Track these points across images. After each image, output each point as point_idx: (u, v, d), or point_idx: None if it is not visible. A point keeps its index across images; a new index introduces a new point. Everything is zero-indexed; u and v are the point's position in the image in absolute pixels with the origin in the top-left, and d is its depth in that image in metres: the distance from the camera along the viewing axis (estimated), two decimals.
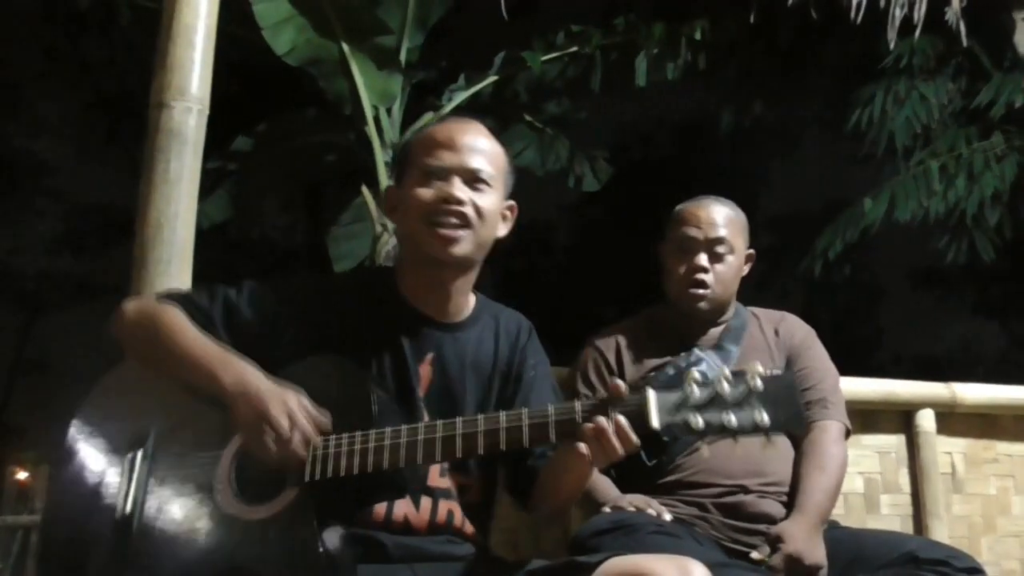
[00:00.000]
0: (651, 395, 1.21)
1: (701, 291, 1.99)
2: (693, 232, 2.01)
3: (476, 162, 1.49)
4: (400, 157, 1.58)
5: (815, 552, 1.72)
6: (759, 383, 1.16)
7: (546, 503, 1.54)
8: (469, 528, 1.49)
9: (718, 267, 2.01)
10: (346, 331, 1.47)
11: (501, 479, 1.59)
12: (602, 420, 1.25)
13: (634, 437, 1.24)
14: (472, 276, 1.57)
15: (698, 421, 1.17)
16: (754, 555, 1.75)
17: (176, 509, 1.35)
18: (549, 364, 1.66)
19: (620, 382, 1.29)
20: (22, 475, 10.39)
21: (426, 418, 1.46)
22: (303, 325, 1.47)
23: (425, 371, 1.50)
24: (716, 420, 1.16)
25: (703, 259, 2.00)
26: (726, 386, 1.17)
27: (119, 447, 1.42)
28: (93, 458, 1.44)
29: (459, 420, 1.31)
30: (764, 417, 1.15)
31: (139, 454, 1.39)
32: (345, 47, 5.58)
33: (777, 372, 1.24)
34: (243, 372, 1.37)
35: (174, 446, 1.40)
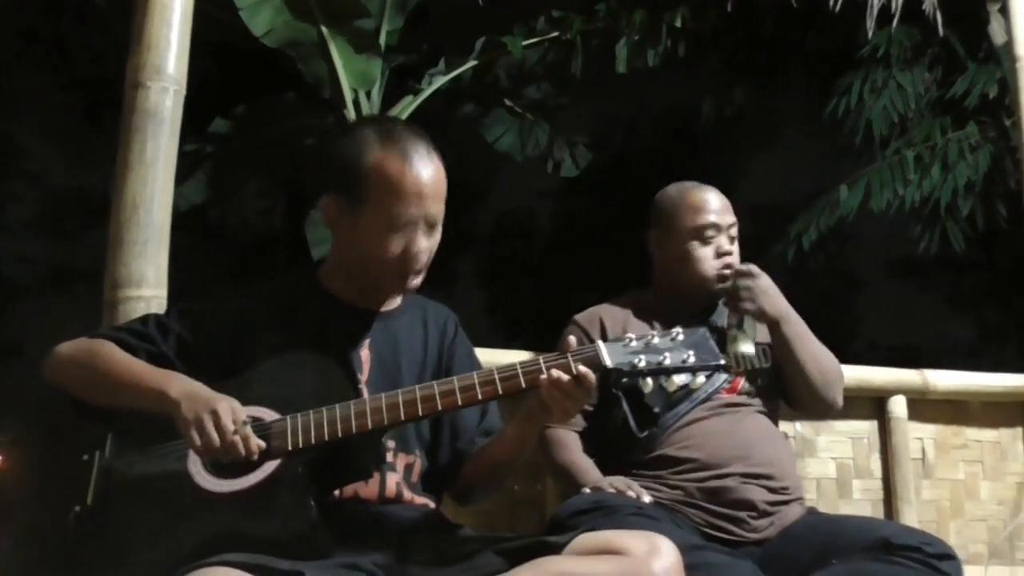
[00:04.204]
0: (600, 344, 1.44)
1: (729, 273, 2.03)
2: (713, 218, 2.05)
3: (436, 208, 1.51)
4: (352, 171, 1.49)
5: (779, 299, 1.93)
6: (681, 335, 1.44)
7: (479, 479, 1.61)
8: (419, 500, 1.56)
9: (734, 249, 2.05)
10: (284, 334, 1.51)
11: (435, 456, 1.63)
12: (564, 364, 1.40)
13: (592, 378, 1.39)
14: None
15: (640, 361, 1.41)
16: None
17: (153, 497, 1.36)
18: (476, 355, 1.74)
19: (571, 337, 1.47)
20: None
21: None
22: (236, 338, 1.52)
23: (365, 356, 1.56)
24: (654, 360, 1.41)
25: (726, 243, 2.03)
26: (656, 338, 1.44)
27: (73, 450, 1.43)
28: (45, 463, 1.44)
29: (435, 382, 1.42)
30: (690, 356, 1.41)
31: (97, 454, 1.41)
32: (324, 29, 5.53)
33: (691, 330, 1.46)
34: (186, 382, 1.41)
35: (135, 445, 1.42)
